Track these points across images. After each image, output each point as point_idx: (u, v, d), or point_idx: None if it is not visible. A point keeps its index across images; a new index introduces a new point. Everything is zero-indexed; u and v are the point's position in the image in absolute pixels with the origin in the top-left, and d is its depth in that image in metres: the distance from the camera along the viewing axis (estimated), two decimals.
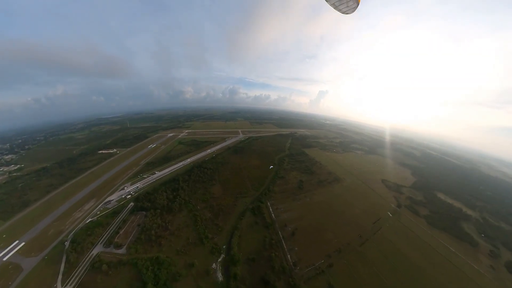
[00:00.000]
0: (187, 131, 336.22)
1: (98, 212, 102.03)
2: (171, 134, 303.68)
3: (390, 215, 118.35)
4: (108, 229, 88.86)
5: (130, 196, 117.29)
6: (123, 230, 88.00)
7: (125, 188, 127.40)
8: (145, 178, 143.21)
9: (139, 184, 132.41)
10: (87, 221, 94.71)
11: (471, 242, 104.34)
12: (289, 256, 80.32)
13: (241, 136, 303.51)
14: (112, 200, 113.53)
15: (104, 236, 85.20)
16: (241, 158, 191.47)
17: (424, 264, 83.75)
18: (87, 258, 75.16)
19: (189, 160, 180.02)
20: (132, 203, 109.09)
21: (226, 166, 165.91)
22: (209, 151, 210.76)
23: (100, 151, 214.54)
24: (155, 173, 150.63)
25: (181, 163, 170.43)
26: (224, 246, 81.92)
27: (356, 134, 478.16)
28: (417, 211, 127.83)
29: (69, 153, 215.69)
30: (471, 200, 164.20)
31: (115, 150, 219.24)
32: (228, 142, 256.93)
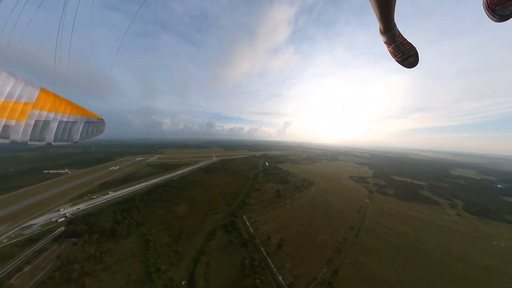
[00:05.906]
0: (158, 156, 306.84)
1: (5, 240, 71.65)
2: (139, 158, 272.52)
3: (368, 201, 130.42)
4: (8, 264, 59.50)
5: (63, 219, 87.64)
6: (31, 265, 59.19)
7: (61, 210, 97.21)
8: (93, 198, 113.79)
9: (82, 206, 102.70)
10: None
11: (434, 202, 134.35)
12: (280, 277, 58.57)
13: (214, 159, 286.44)
14: (35, 224, 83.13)
15: None
16: (213, 177, 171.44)
17: (416, 233, 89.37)
18: None
19: (154, 181, 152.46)
20: (62, 228, 79.95)
21: (195, 185, 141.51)
22: (179, 172, 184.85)
23: (47, 171, 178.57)
24: (108, 193, 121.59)
25: (143, 184, 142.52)
26: (183, 282, 56.21)
27: (319, 150, 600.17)
28: (386, 192, 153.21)
29: (2, 171, 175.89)
30: (416, 176, 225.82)
31: (66, 170, 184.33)
32: (200, 164, 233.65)
